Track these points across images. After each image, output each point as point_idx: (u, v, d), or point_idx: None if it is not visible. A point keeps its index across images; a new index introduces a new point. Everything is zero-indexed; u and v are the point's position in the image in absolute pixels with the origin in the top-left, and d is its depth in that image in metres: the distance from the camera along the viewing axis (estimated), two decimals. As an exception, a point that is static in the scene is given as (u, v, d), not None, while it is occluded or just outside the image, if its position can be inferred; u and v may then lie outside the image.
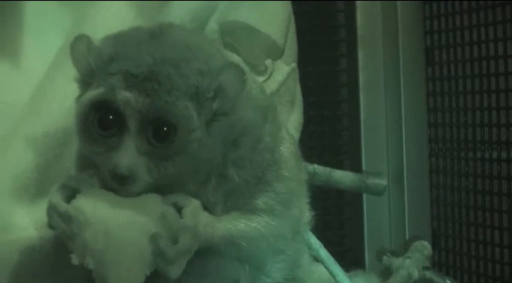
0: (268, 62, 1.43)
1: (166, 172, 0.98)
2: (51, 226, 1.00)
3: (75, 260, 0.97)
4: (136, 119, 0.95)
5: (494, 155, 1.81)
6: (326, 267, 1.28)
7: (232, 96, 0.99)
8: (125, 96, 0.95)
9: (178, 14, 1.38)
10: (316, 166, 1.61)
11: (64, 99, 1.26)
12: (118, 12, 1.31)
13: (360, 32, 1.99)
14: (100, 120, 0.97)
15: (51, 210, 1.00)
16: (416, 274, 1.51)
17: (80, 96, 1.02)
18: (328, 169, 1.70)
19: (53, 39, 1.33)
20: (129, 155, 0.96)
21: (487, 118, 1.82)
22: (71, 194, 1.01)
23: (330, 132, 2.01)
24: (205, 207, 1.04)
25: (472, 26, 1.85)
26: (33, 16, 1.35)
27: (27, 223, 1.24)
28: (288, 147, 1.13)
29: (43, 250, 1.23)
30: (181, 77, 0.96)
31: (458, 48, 1.89)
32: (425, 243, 1.61)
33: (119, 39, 1.01)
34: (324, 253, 1.29)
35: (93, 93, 0.97)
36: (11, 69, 1.33)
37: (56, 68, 1.30)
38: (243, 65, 1.35)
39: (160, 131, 0.96)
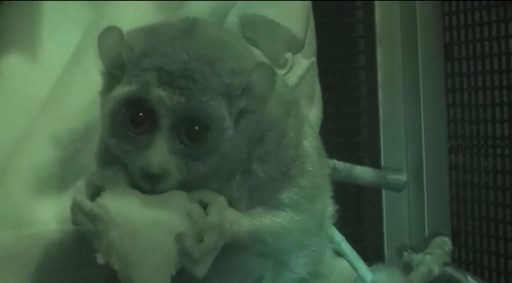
0: (288, 55, 1.43)
1: (197, 171, 0.97)
2: (75, 224, 0.99)
3: (100, 259, 0.96)
4: (170, 117, 0.94)
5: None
6: (348, 261, 1.27)
7: (261, 95, 0.98)
8: (159, 94, 0.93)
9: (198, 9, 1.37)
10: (336, 161, 1.60)
11: (84, 92, 1.25)
12: (138, 8, 1.30)
13: (378, 28, 1.99)
14: (131, 117, 0.95)
15: (76, 208, 0.98)
16: (437, 270, 1.49)
17: (105, 89, 1.00)
18: (348, 165, 1.69)
19: (72, 34, 1.33)
20: (161, 154, 0.94)
21: (507, 114, 1.81)
22: (95, 191, 0.99)
23: (348, 129, 2.01)
24: (230, 203, 1.02)
25: (491, 22, 1.84)
26: (52, 11, 1.35)
27: (49, 217, 1.23)
28: (311, 142, 1.12)
29: (64, 245, 1.23)
30: (215, 75, 0.95)
31: (478, 44, 1.88)
32: (446, 239, 1.59)
33: (150, 33, 0.99)
34: (346, 247, 1.28)
35: (125, 89, 0.95)
36: (30, 64, 1.32)
37: (75, 62, 1.30)
38: (264, 58, 1.36)
39: (193, 130, 0.95)
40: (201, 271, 0.97)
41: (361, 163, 1.83)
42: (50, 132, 1.25)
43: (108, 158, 1.03)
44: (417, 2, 1.95)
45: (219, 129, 0.95)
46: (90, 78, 1.24)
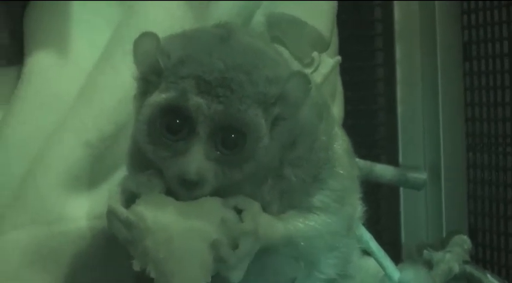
0: (315, 54, 1.43)
1: (233, 178, 0.97)
2: (111, 230, 0.99)
3: (136, 266, 0.96)
4: (207, 125, 0.94)
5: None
6: (376, 259, 1.28)
7: (295, 103, 0.98)
8: (197, 101, 0.93)
9: (226, 7, 1.38)
10: (357, 160, 1.60)
11: (114, 91, 1.26)
12: (167, 8, 1.31)
13: (397, 26, 1.98)
14: (169, 124, 0.95)
15: (111, 215, 0.99)
16: (457, 268, 1.50)
17: (140, 94, 1.00)
18: (369, 163, 1.71)
19: (102, 32, 1.33)
20: (198, 161, 0.94)
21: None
22: (130, 197, 0.99)
23: (366, 126, 2.01)
24: (261, 206, 1.02)
25: (510, 21, 1.83)
26: (81, 10, 1.35)
27: (79, 214, 1.24)
28: (341, 144, 1.13)
29: (93, 242, 1.24)
30: (252, 84, 0.95)
31: (497, 43, 1.87)
32: (465, 237, 1.60)
33: (187, 41, 0.99)
34: (374, 245, 1.29)
35: (163, 96, 0.95)
36: (60, 62, 1.33)
37: (106, 60, 1.30)
38: (290, 58, 1.36)
39: (229, 138, 0.95)
40: (236, 276, 0.98)
41: (378, 161, 1.85)
42: (81, 130, 1.25)
43: (140, 162, 1.03)
44: (436, 1, 1.95)
45: (255, 137, 0.96)
46: (120, 76, 1.25)
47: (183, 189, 0.96)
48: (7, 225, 1.23)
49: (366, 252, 1.29)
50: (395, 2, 1.97)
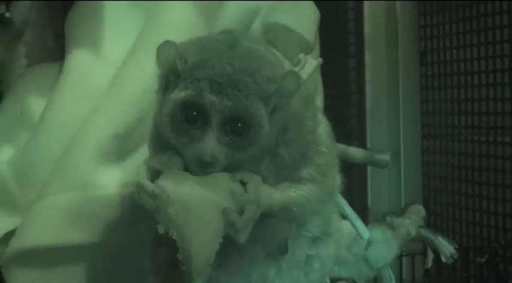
0: (301, 56, 1.41)
1: (240, 158, 0.98)
2: (139, 201, 0.99)
3: (161, 230, 0.97)
4: (219, 117, 0.95)
5: (475, 138, 1.78)
6: (350, 221, 1.27)
7: (289, 96, 0.98)
8: (211, 99, 0.94)
9: (231, 14, 1.36)
10: (335, 143, 1.59)
11: (138, 83, 1.25)
12: (183, 12, 1.29)
13: (366, 37, 1.96)
14: (187, 116, 0.96)
15: (140, 188, 0.98)
16: (413, 231, 1.47)
17: (161, 89, 1.00)
18: (343, 146, 1.69)
19: (128, 33, 1.32)
20: (211, 145, 0.95)
21: (470, 108, 1.79)
22: (154, 173, 0.99)
23: (341, 117, 1.98)
24: (261, 179, 1.02)
25: (458, 33, 1.82)
26: (112, 14, 1.34)
27: (108, 182, 1.23)
28: (323, 128, 1.12)
29: (120, 206, 1.23)
30: (255, 84, 0.95)
31: (447, 51, 1.86)
32: (420, 206, 1.58)
33: (200, 47, 0.98)
34: (349, 210, 1.28)
35: (182, 94, 0.95)
36: (94, 58, 1.32)
37: (132, 56, 1.29)
38: (282, 58, 1.35)
39: (237, 127, 0.96)
40: (243, 237, 0.98)
41: (351, 145, 1.83)
42: (110, 114, 1.24)
43: (161, 145, 1.03)
44: (399, 16, 1.93)
45: (258, 127, 0.96)
46: (143, 70, 1.24)
47: (199, 168, 0.96)
48: (49, 190, 1.21)
49: (342, 216, 1.28)
50: (365, 17, 1.95)
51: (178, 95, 0.95)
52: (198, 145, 0.95)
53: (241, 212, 0.97)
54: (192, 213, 0.94)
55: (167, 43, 0.97)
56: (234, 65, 0.95)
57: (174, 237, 0.95)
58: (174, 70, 0.96)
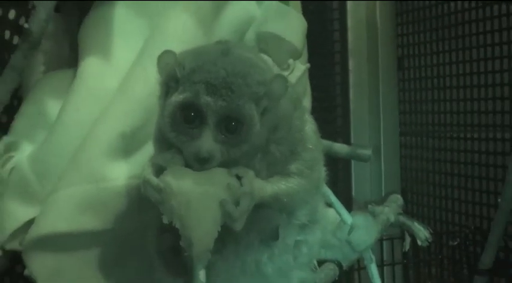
0: (291, 61, 1.39)
1: (234, 155, 0.95)
2: (145, 194, 0.96)
3: (165, 220, 0.94)
4: (214, 116, 0.92)
5: (448, 134, 1.78)
6: (335, 209, 1.26)
7: (278, 98, 0.96)
8: (207, 100, 0.92)
9: (228, 25, 1.33)
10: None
11: (144, 86, 1.22)
12: (184, 23, 1.26)
13: (350, 46, 1.93)
14: (185, 117, 0.93)
15: (146, 183, 0.96)
16: (392, 218, 1.45)
17: (163, 95, 0.98)
18: (329, 142, 1.65)
19: (135, 42, 1.29)
20: (208, 143, 0.93)
21: (442, 108, 1.79)
22: (159, 170, 0.97)
23: (328, 118, 1.95)
24: (255, 173, 1.00)
25: (432, 41, 1.82)
26: (120, 25, 1.31)
27: (117, 175, 1.20)
28: (310, 127, 1.10)
29: (128, 196, 1.20)
30: (247, 86, 0.93)
31: (422, 58, 1.85)
32: (399, 196, 1.55)
33: (197, 55, 0.96)
34: (333, 198, 1.27)
35: (181, 97, 0.93)
36: (105, 65, 1.29)
37: (138, 64, 1.25)
38: (272, 64, 1.32)
39: (231, 126, 0.93)
40: (239, 226, 0.96)
41: (336, 142, 1.80)
42: (119, 115, 1.21)
43: (164, 144, 1.00)
44: (379, 26, 1.91)
45: (250, 125, 0.94)
46: (149, 75, 1.20)
47: (197, 164, 0.94)
48: (64, 183, 1.19)
49: (328, 204, 1.26)
50: (349, 28, 1.92)
51: (177, 97, 0.94)
52: (195, 143, 0.93)
53: (237, 203, 0.95)
54: (192, 205, 0.92)
55: (167, 52, 0.95)
56: (227, 69, 0.93)
57: (177, 226, 0.93)
58: (173, 76, 0.94)
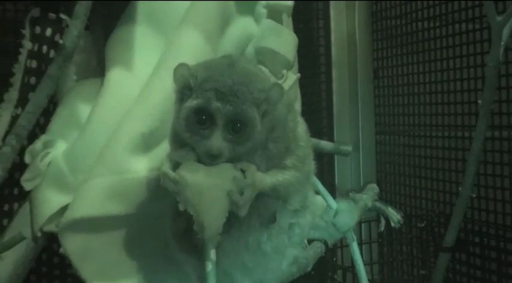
0: (284, 71, 1.41)
1: (240, 151, 0.97)
2: (164, 186, 0.98)
3: (181, 207, 0.96)
4: (223, 119, 0.94)
5: (416, 133, 1.78)
6: (322, 195, 1.27)
7: (275, 102, 0.98)
8: (216, 105, 0.93)
9: (230, 42, 1.35)
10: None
11: (161, 93, 1.23)
12: (195, 40, 1.27)
13: (333, 58, 1.94)
14: (198, 119, 0.95)
15: (164, 176, 0.97)
16: (370, 204, 1.47)
17: (178, 101, 0.99)
18: (316, 140, 1.67)
19: (153, 55, 1.30)
20: (218, 142, 0.94)
21: (412, 110, 1.79)
22: (175, 164, 0.98)
23: (315, 119, 1.96)
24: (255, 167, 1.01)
25: (402, 54, 1.82)
26: (140, 41, 1.32)
27: (139, 168, 1.21)
28: (301, 127, 1.12)
29: (147, 186, 1.21)
30: (250, 93, 0.95)
31: (394, 68, 1.86)
32: (375, 185, 1.57)
33: (207, 67, 0.98)
34: (321, 187, 1.28)
35: (194, 102, 0.95)
36: (128, 75, 1.31)
37: (155, 74, 1.27)
38: (269, 74, 1.33)
39: (236, 127, 0.95)
40: (243, 212, 0.98)
41: (322, 139, 1.82)
42: (140, 117, 1.23)
43: (179, 143, 1.02)
44: (358, 42, 1.92)
45: (252, 126, 0.95)
46: (165, 84, 1.22)
47: (209, 160, 0.96)
48: (93, 175, 1.20)
49: (316, 192, 1.27)
50: (332, 43, 1.93)
51: (191, 103, 0.95)
52: (207, 142, 0.94)
53: (241, 193, 0.96)
54: (204, 195, 0.94)
55: (182, 65, 0.97)
56: (233, 78, 0.94)
57: (190, 213, 0.94)
58: (187, 85, 0.96)
